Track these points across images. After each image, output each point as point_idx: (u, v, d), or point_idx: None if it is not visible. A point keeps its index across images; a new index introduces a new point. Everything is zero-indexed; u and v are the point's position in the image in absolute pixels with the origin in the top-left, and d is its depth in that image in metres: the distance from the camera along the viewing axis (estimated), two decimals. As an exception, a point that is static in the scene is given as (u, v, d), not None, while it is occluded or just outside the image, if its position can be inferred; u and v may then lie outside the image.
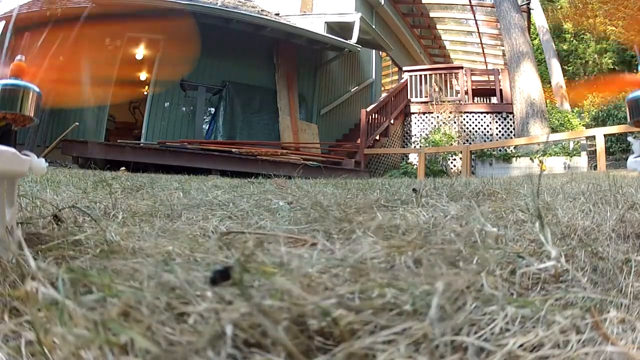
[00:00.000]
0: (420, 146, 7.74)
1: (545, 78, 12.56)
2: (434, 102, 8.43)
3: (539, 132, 7.00)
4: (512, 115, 7.91)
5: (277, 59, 7.25)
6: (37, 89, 1.25)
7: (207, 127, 6.56)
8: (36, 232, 0.80)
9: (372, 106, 7.55)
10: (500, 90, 8.45)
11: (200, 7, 6.46)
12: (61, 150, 5.50)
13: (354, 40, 7.22)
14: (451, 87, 8.74)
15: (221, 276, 0.41)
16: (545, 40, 12.04)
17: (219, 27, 6.57)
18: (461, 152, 6.05)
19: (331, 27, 7.96)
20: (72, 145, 5.37)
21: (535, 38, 12.15)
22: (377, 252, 0.71)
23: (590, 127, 9.33)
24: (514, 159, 5.82)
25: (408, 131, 8.61)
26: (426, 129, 8.36)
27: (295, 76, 7.29)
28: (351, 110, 8.78)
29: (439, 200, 1.96)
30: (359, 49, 7.27)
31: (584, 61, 12.87)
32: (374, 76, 9.77)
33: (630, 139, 1.94)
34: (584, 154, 5.51)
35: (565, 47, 13.07)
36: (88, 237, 0.71)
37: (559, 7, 13.94)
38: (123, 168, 4.88)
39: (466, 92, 8.53)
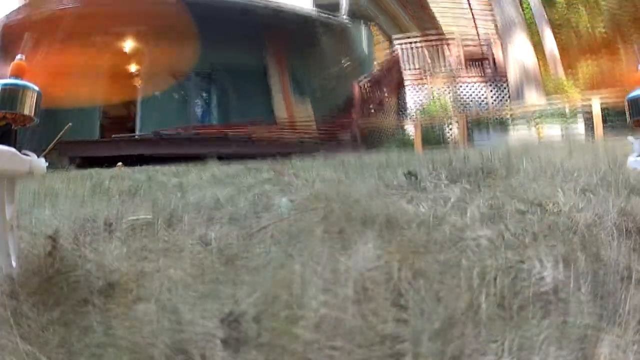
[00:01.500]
0: (415, 117, 7.64)
1: (538, 47, 12.29)
2: (427, 74, 8.24)
3: (534, 99, 6.90)
4: (506, 83, 7.77)
5: (266, 38, 7.03)
6: (37, 89, 1.21)
7: (200, 113, 6.44)
8: (35, 266, 0.78)
9: (364, 80, 7.39)
10: (494, 59, 8.24)
11: None
12: (58, 152, 5.42)
13: (343, 12, 6.96)
14: (444, 57, 8.52)
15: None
16: (537, 10, 11.67)
17: (204, 11, 6.31)
18: (458, 122, 5.98)
19: (320, 4, 7.65)
20: (68, 147, 5.32)
21: (527, 7, 11.78)
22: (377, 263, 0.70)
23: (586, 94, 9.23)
24: (511, 126, 5.75)
25: (403, 103, 8.47)
26: (421, 100, 8.23)
27: (286, 54, 7.10)
28: (345, 86, 8.60)
29: (438, 183, 1.94)
30: (349, 23, 7.02)
31: (576, 30, 12.51)
32: (366, 50, 9.50)
33: (630, 138, 1.86)
34: (580, 120, 5.43)
35: (557, 16, 12.67)
36: (88, 270, 0.69)
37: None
38: (120, 164, 4.84)
39: (459, 62, 8.33)
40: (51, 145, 5.09)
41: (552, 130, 5.59)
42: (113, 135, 5.86)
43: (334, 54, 8.06)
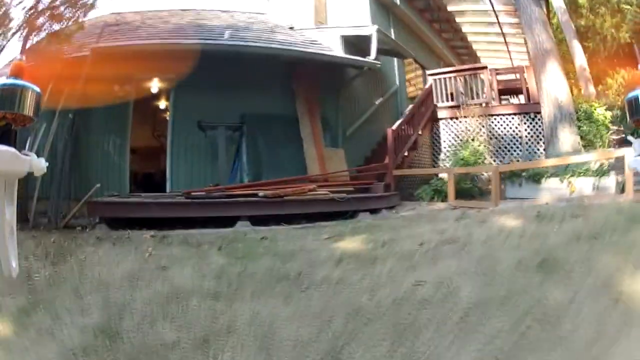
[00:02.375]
0: (449, 160, 7.38)
1: (567, 58, 11.84)
2: (460, 107, 7.96)
3: (567, 137, 6.58)
4: (540, 115, 7.43)
5: (295, 84, 6.88)
6: (36, 89, 1.16)
7: (231, 166, 6.32)
8: None
9: (397, 122, 7.18)
10: (527, 88, 7.92)
11: (207, 44, 6.08)
12: (87, 211, 5.40)
13: (372, 55, 6.75)
14: (477, 88, 8.22)
15: None
16: (565, 21, 11.18)
17: (230, 60, 6.21)
18: (490, 175, 5.72)
19: (348, 40, 7.47)
20: (97, 207, 5.28)
21: (554, 17, 11.36)
22: None
23: (618, 119, 8.75)
24: (544, 179, 5.50)
25: (437, 138, 8.22)
26: (454, 136, 7.95)
27: (317, 100, 6.92)
28: (378, 123, 8.41)
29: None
30: (379, 65, 6.79)
31: (602, 36, 12.02)
32: (398, 82, 9.28)
33: (630, 138, 1.70)
34: (612, 174, 5.22)
35: (583, 22, 12.21)
36: None
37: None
38: (151, 234, 4.75)
39: (492, 93, 8.01)
40: (78, 206, 5.07)
41: (584, 183, 5.32)
42: (143, 196, 5.78)
43: (366, 96, 7.88)
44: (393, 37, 9.30)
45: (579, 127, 7.11)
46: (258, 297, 2.80)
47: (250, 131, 6.41)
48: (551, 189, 5.46)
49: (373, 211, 6.03)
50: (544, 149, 7.01)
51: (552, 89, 6.81)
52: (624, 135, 8.73)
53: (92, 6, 6.82)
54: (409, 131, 7.38)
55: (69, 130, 6.17)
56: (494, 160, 7.73)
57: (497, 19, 10.03)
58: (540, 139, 7.49)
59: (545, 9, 9.27)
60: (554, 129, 6.70)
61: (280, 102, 6.79)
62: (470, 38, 12.23)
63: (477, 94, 8.09)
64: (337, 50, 7.51)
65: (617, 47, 11.48)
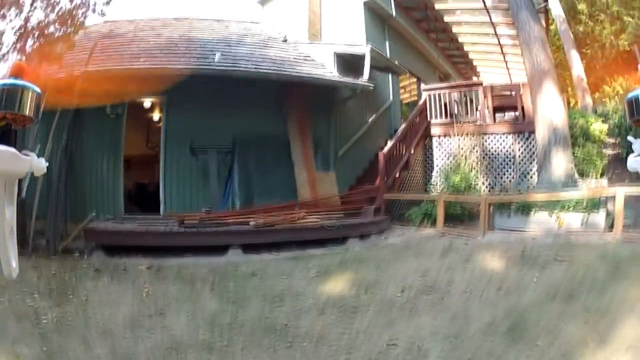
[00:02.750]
0: (441, 177, 7.46)
1: (565, 65, 11.77)
2: (454, 124, 7.99)
3: (561, 162, 6.62)
4: (534, 137, 7.46)
5: (287, 106, 6.92)
6: (37, 89, 1.19)
7: (223, 189, 6.43)
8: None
9: (389, 144, 7.21)
10: (522, 106, 7.90)
11: (197, 68, 6.08)
12: (84, 238, 5.56)
13: (365, 77, 6.74)
14: (471, 105, 8.22)
15: None
16: (564, 30, 11.04)
17: (221, 81, 6.24)
18: (480, 205, 5.82)
19: (341, 57, 7.44)
20: (94, 234, 5.46)
21: (552, 23, 11.24)
22: None
23: (615, 134, 8.75)
24: (533, 212, 5.59)
25: (430, 155, 8.28)
26: (448, 154, 8.00)
27: (308, 121, 6.98)
28: (371, 140, 8.47)
29: None
30: (372, 87, 6.79)
31: (601, 44, 11.91)
32: (391, 97, 9.26)
33: (630, 138, 1.77)
34: (602, 211, 5.27)
35: (581, 29, 12.07)
36: None
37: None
38: (146, 266, 4.92)
39: (487, 111, 8.02)
40: (74, 233, 5.26)
41: (573, 218, 5.40)
42: (137, 220, 5.92)
43: (359, 114, 7.89)
44: (388, 48, 9.27)
45: (574, 153, 7.14)
46: (248, 350, 3.00)
47: (241, 154, 6.51)
48: (540, 222, 5.55)
49: (363, 236, 6.16)
50: (537, 170, 7.06)
51: (548, 111, 6.82)
52: (620, 151, 8.75)
53: (83, 24, 6.82)
54: (401, 150, 7.44)
55: (63, 152, 6.26)
56: (486, 180, 7.81)
57: (495, 31, 9.90)
58: (534, 159, 7.55)
59: (544, 22, 9.17)
60: (547, 152, 6.74)
61: (271, 123, 6.86)
62: (467, 48, 12.14)
63: (472, 111, 8.08)
64: (330, 67, 7.51)
65: (616, 54, 11.39)
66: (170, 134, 6.50)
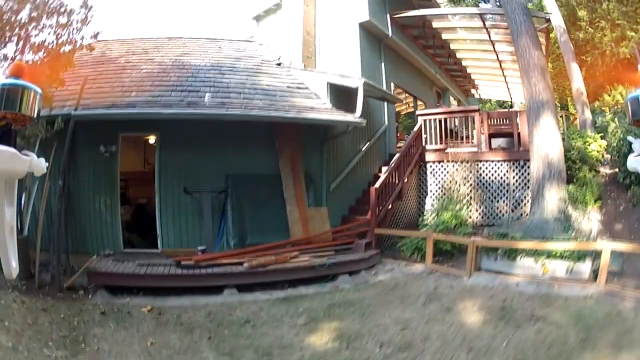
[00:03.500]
0: (435, 204, 7.61)
1: (564, 76, 11.62)
2: (448, 151, 8.07)
3: (553, 197, 6.74)
4: (530, 162, 7.52)
5: (278, 143, 7.06)
6: (37, 89, 1.22)
7: (218, 226, 6.67)
8: None
9: (382, 177, 7.33)
10: (519, 134, 7.93)
11: (187, 113, 6.20)
12: (88, 279, 5.86)
13: (357, 113, 6.81)
14: (467, 131, 8.26)
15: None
16: (564, 41, 10.83)
17: (213, 121, 6.37)
18: (468, 247, 5.99)
19: (334, 86, 7.48)
20: (97, 276, 5.78)
21: (552, 31, 11.04)
22: None
23: (613, 155, 8.75)
24: (519, 257, 5.75)
25: (424, 181, 8.40)
26: (442, 180, 8.12)
27: (300, 158, 7.13)
28: (365, 168, 8.57)
29: None
30: (364, 123, 6.87)
31: (601, 51, 11.71)
32: (387, 121, 9.28)
33: (630, 138, 1.86)
34: (588, 260, 5.39)
35: (581, 35, 11.85)
36: None
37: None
38: (149, 308, 5.25)
39: (483, 137, 8.07)
40: (77, 275, 5.59)
41: (558, 266, 5.55)
42: (137, 263, 6.17)
43: (352, 145, 7.96)
44: (383, 68, 9.22)
45: (572, 178, 7.20)
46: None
47: (234, 193, 6.72)
48: (525, 267, 5.72)
49: (353, 272, 6.40)
50: (530, 202, 7.16)
51: (544, 145, 6.87)
52: (617, 170, 8.77)
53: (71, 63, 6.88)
54: (394, 180, 7.57)
55: (61, 190, 6.49)
56: (480, 207, 7.94)
57: (494, 48, 9.76)
58: (528, 186, 7.63)
59: (545, 39, 9.03)
60: (541, 186, 6.83)
61: (264, 161, 7.04)
62: (465, 63, 12.04)
63: (467, 137, 8.13)
64: (323, 96, 7.60)
65: (616, 61, 11.21)
66: (164, 173, 6.73)
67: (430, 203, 8.05)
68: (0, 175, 1.06)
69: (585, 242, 5.61)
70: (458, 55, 11.27)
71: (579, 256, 5.41)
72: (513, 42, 7.65)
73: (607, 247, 5.09)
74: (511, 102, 13.89)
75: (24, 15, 5.78)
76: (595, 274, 5.30)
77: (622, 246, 5.20)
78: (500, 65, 10.67)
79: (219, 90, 7.14)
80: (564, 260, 5.45)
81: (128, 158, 7.88)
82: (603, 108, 11.74)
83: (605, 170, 9.39)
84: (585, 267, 5.42)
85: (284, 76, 8.20)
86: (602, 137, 9.65)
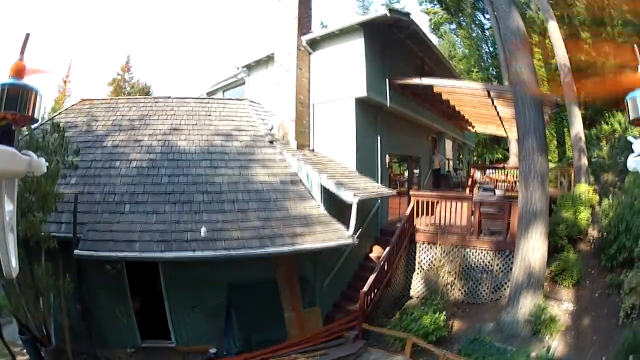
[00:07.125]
0: (422, 283, 8.50)
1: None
2: (438, 234, 8.69)
3: (528, 304, 7.87)
4: (511, 255, 8.24)
5: (274, 259, 7.63)
6: (37, 89, 1.28)
7: (224, 332, 7.78)
8: None
9: (369, 280, 8.01)
10: (508, 223, 8.44)
11: (180, 257, 6.73)
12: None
13: (350, 232, 7.32)
14: (458, 216, 8.74)
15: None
16: (567, 83, 10.22)
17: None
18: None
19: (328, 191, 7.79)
20: None
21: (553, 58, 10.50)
22: None
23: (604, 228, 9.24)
24: None
25: (412, 260, 9.18)
26: (430, 261, 8.90)
27: (295, 268, 8.11)
28: (356, 252, 9.16)
29: None
30: (357, 242, 7.39)
31: (602, 77, 11.22)
32: (379, 199, 9.49)
33: (630, 138, 2.06)
34: None
35: (582, 58, 11.22)
36: None
37: (575, 13, 11.12)
38: None
39: (472, 222, 8.59)
40: None
41: None
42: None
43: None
44: (379, 140, 9.20)
45: (556, 258, 7.96)
46: None
47: (236, 301, 7.64)
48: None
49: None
50: (507, 299, 8.03)
51: (529, 255, 7.61)
52: (604, 249, 9.34)
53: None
54: (383, 271, 8.34)
55: (74, 297, 7.43)
56: (463, 287, 8.88)
57: (497, 112, 9.38)
58: (510, 274, 8.43)
59: (548, 124, 8.72)
60: (518, 292, 7.74)
61: (262, 269, 7.77)
62: (463, 112, 11.47)
63: (457, 222, 8.63)
64: (317, 197, 7.91)
65: (617, 86, 10.84)
66: (172, 293, 7.51)
67: (417, 280, 8.95)
68: (1, 175, 1.12)
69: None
70: (457, 108, 10.82)
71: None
72: (519, 142, 7.61)
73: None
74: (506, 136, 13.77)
75: None
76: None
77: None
78: (501, 120, 10.36)
79: (212, 201, 7.48)
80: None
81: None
82: (600, 136, 11.78)
83: (593, 236, 9.86)
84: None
85: (277, 162, 8.38)
86: (594, 190, 10.03)
